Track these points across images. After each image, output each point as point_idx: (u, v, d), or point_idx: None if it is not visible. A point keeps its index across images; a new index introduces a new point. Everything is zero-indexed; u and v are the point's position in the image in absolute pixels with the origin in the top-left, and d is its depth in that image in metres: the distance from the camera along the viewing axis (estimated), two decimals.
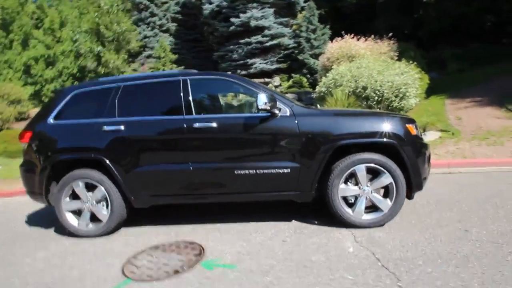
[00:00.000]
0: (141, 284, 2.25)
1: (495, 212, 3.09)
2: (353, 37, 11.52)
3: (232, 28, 17.03)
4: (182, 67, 15.79)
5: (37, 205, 4.63)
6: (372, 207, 2.99)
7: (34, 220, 4.01)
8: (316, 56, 16.49)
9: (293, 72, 17.11)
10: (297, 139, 2.90)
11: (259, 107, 2.80)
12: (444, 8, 16.19)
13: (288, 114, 2.95)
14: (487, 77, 12.02)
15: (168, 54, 15.21)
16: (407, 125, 2.93)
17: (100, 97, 3.30)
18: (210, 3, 17.10)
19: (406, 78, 8.37)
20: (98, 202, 3.19)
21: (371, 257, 2.35)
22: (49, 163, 3.17)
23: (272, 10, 17.11)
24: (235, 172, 2.97)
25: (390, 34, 11.81)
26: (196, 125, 2.99)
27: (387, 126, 2.87)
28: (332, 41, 14.51)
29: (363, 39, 11.66)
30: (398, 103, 8.00)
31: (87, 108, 3.34)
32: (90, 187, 3.20)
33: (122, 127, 3.09)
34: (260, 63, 17.45)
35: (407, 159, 2.84)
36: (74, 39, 15.12)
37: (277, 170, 2.93)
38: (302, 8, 18.57)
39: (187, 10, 20.65)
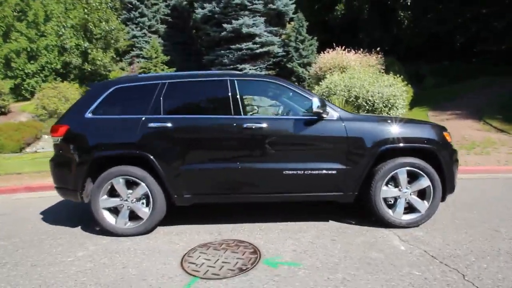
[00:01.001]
0: (210, 282, 2.23)
1: (510, 213, 3.41)
2: (344, 49, 12.05)
3: (223, 33, 17.15)
4: (174, 68, 15.62)
5: (44, 203, 4.46)
6: (407, 208, 3.17)
7: (51, 218, 3.79)
8: (304, 65, 17.03)
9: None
10: (345, 142, 3.03)
11: (314, 110, 2.91)
12: (419, 27, 17.41)
13: (335, 118, 3.08)
14: (462, 92, 13.02)
15: (160, 55, 14.96)
16: (443, 132, 3.17)
17: (143, 93, 3.24)
18: (203, 8, 17.15)
19: (395, 90, 8.90)
20: (138, 199, 3.11)
21: (426, 255, 2.51)
22: (88, 159, 3.05)
23: (263, 19, 17.47)
24: (284, 172, 3.04)
25: (378, 49, 12.50)
26: (246, 125, 3.03)
27: (427, 132, 3.10)
28: (319, 52, 15.13)
29: (353, 51, 12.24)
30: (387, 113, 8.48)
31: (128, 104, 3.26)
32: (129, 184, 3.11)
33: (169, 124, 3.05)
34: (250, 69, 17.66)
35: (444, 163, 3.07)
36: (60, 33, 14.47)
37: (325, 171, 3.04)
38: (291, 19, 19.13)
39: (176, 13, 20.53)
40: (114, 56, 16.17)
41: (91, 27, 15.01)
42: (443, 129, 3.24)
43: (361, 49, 12.43)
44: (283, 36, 18.36)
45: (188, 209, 3.29)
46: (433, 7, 16.10)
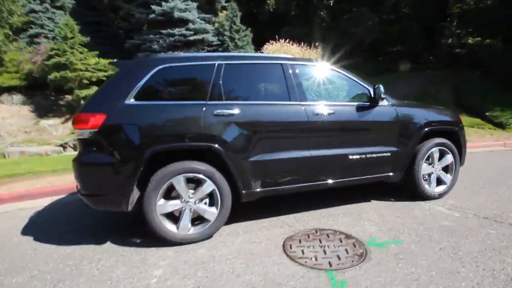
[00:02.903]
0: (347, 272, 2.13)
1: (493, 179, 4.32)
2: (289, 42, 12.64)
3: (152, 16, 15.63)
4: (96, 52, 13.46)
5: (7, 220, 3.39)
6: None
7: (47, 237, 2.88)
8: None
9: None
10: (397, 126, 3.29)
11: (382, 96, 3.05)
12: (334, 27, 19.57)
13: (386, 104, 3.29)
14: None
15: (76, 35, 12.61)
16: (459, 116, 3.76)
17: (196, 75, 2.78)
18: None
19: None
20: (201, 200, 2.69)
21: (479, 217, 2.99)
22: (141, 156, 2.45)
23: (195, 4, 16.62)
24: (349, 157, 3.10)
25: (317, 44, 13.56)
26: (316, 111, 2.96)
27: (452, 116, 3.64)
28: (254, 44, 15.49)
29: (295, 44, 12.97)
30: None
31: (178, 87, 2.74)
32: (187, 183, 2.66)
33: (236, 112, 2.71)
34: None
35: (462, 142, 3.66)
36: None
37: (382, 154, 3.24)
38: (223, 8, 18.79)
39: None
40: (10, 34, 12.89)
41: None
42: (458, 113, 3.85)
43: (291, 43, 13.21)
44: (216, 25, 17.86)
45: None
46: (349, 10, 18.25)
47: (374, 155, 3.20)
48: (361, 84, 3.27)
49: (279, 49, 12.30)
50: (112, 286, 2.10)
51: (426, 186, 3.52)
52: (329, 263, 2.26)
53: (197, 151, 2.64)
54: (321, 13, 18.97)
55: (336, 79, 3.29)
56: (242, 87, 2.90)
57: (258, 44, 17.88)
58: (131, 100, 2.54)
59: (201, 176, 2.62)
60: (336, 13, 18.56)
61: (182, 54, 3.07)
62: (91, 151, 2.48)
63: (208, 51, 17.33)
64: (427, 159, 3.52)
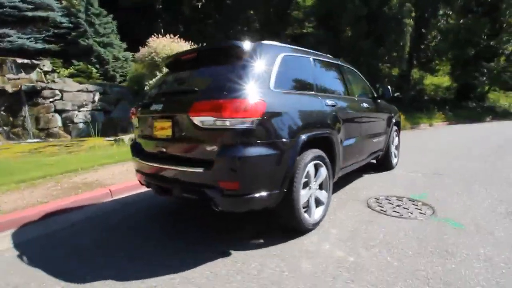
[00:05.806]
0: (437, 215, 3.00)
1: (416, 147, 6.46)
2: (178, 38, 12.24)
3: None
4: None
5: None
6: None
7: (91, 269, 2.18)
8: (105, 45, 14.60)
9: (74, 58, 13.85)
10: (386, 117, 4.53)
11: (393, 95, 4.15)
12: (204, 30, 20.41)
13: (379, 100, 4.47)
14: None
15: None
16: None
17: (303, 67, 2.87)
18: None
19: None
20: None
21: (431, 175, 4.66)
22: (298, 144, 2.39)
23: None
24: (373, 140, 4.07)
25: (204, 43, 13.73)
26: (364, 105, 3.71)
27: (397, 110, 5.29)
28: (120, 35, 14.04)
29: (182, 40, 12.71)
30: None
31: (295, 77, 2.72)
32: None
33: (335, 103, 3.05)
34: (19, 38, 12.59)
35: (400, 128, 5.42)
36: None
37: (381, 137, 4.40)
38: None
39: None
40: None
41: None
42: None
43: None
44: (64, 3, 14.44)
45: None
46: (212, 16, 19.37)
47: (379, 139, 4.31)
48: (366, 82, 4.29)
49: (168, 44, 11.68)
50: (325, 278, 2.06)
51: (391, 160, 5.00)
52: (420, 214, 3.10)
53: (320, 139, 2.78)
54: (186, 11, 19.05)
55: (357, 78, 4.13)
56: (326, 82, 3.21)
57: (122, 35, 15.86)
58: (273, 88, 2.39)
59: (322, 162, 2.80)
60: (201, 17, 19.17)
61: (282, 44, 2.98)
62: (252, 142, 2.15)
63: (55, 33, 13.81)
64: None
